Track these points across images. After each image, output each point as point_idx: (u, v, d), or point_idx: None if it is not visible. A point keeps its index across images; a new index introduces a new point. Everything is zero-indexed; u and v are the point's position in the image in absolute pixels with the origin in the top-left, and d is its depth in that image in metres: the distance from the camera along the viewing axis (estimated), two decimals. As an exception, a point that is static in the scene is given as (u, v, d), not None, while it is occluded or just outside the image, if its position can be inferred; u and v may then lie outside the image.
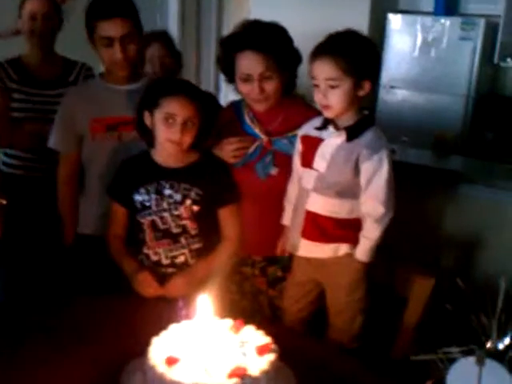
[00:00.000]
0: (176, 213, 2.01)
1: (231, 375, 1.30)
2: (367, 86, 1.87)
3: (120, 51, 2.14)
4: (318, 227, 1.96)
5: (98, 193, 2.27)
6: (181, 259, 2.04)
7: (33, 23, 2.53)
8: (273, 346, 1.42)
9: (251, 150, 2.10)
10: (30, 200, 2.60)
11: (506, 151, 4.17)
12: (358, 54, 1.83)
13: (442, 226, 2.98)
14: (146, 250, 2.06)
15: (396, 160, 3.12)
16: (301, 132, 2.03)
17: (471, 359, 1.01)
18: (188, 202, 2.00)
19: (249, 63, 2.01)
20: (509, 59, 4.78)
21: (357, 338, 2.02)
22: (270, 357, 1.38)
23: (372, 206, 1.89)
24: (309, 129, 2.00)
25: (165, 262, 2.04)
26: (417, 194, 2.87)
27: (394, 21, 4.95)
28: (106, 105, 2.26)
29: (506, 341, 1.03)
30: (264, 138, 2.10)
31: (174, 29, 4.75)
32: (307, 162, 1.96)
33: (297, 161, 2.04)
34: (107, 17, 2.11)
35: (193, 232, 2.03)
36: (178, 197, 2.00)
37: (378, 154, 1.86)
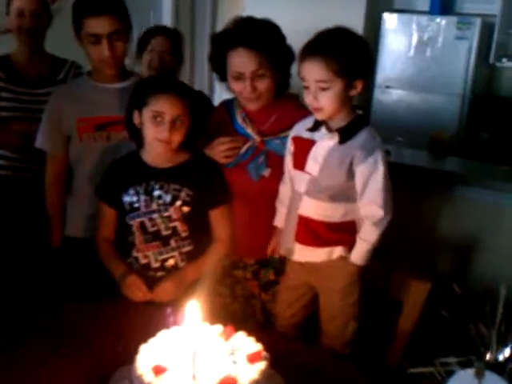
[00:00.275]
0: (166, 214, 1.97)
1: (221, 384, 1.26)
2: (359, 85, 1.80)
3: (108, 49, 2.10)
4: (311, 231, 1.92)
5: (86, 194, 2.23)
6: (171, 262, 2.00)
7: (21, 20, 2.48)
8: (264, 354, 1.39)
9: (243, 150, 2.06)
10: (18, 201, 2.56)
11: (502, 152, 4.14)
12: (349, 53, 1.76)
13: (438, 228, 2.95)
14: (135, 253, 2.02)
15: (391, 161, 3.11)
16: (292, 133, 1.98)
17: (470, 371, 0.97)
18: (178, 202, 1.96)
19: (241, 61, 1.96)
20: (504, 59, 4.78)
21: (350, 344, 1.98)
22: (261, 365, 1.34)
23: (370, 209, 1.85)
24: (300, 130, 1.95)
25: (154, 265, 2.00)
26: (412, 195, 2.84)
27: (390, 20, 4.93)
28: (93, 104, 2.22)
29: (507, 352, 0.99)
30: (256, 138, 2.06)
31: (167, 27, 4.72)
32: (299, 164, 1.92)
33: (288, 162, 2.00)
34: (95, 14, 2.07)
35: (183, 234, 1.99)
36: (167, 198, 1.96)
37: (373, 156, 1.81)
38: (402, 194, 1.90)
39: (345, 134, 1.83)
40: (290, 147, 1.98)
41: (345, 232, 1.91)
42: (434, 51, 4.78)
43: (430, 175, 3.05)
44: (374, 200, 1.84)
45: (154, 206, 1.97)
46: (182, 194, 1.97)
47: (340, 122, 1.85)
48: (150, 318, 1.61)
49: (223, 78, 2.09)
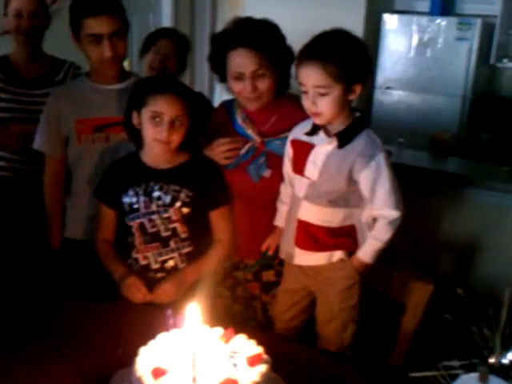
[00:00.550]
0: (165, 215, 1.96)
1: (221, 387, 1.25)
2: (358, 89, 1.78)
3: (109, 49, 2.09)
4: (311, 236, 1.91)
5: (86, 195, 2.22)
6: (170, 263, 1.99)
7: (19, 21, 2.47)
8: (265, 357, 1.37)
9: (243, 151, 2.05)
10: (18, 202, 2.55)
11: (504, 153, 4.12)
12: (347, 57, 1.73)
13: (439, 230, 2.93)
14: (134, 254, 2.00)
15: (392, 162, 3.09)
16: (291, 136, 1.96)
17: (473, 376, 0.95)
18: (178, 204, 1.95)
19: (241, 61, 1.95)
20: (505, 60, 4.77)
21: (348, 348, 1.96)
22: (262, 368, 1.33)
23: (383, 212, 1.84)
24: (298, 133, 1.93)
25: (154, 266, 1.99)
26: (413, 196, 2.80)
27: (390, 21, 4.92)
28: (92, 105, 2.20)
29: (511, 356, 0.98)
30: (257, 138, 2.05)
31: (166, 29, 4.70)
32: (298, 168, 1.90)
33: (287, 166, 1.98)
34: (94, 14, 2.06)
35: (183, 235, 1.98)
36: (167, 199, 1.95)
37: (375, 160, 1.79)
38: (402, 195, 1.88)
39: (343, 139, 1.81)
40: (288, 151, 1.97)
41: (344, 236, 1.90)
42: (434, 52, 4.77)
43: (431, 176, 3.03)
44: (385, 203, 1.82)
45: (154, 207, 1.96)
46: (182, 195, 1.95)
47: (339, 126, 1.82)
48: (150, 320, 1.60)
49: (223, 79, 2.08)
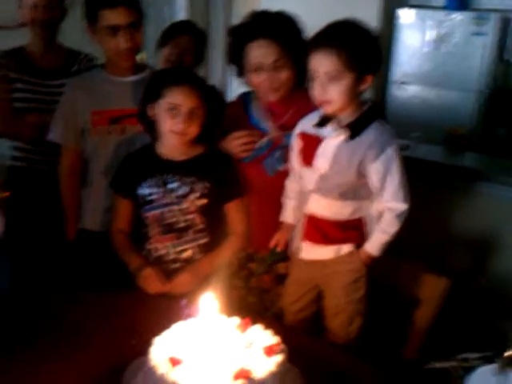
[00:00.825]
0: (181, 207, 1.96)
1: (237, 377, 1.25)
2: (369, 80, 1.77)
3: (126, 40, 2.10)
4: (320, 230, 1.90)
5: (102, 187, 2.23)
6: (187, 254, 2.00)
7: (34, 12, 2.48)
8: (281, 347, 1.37)
9: (260, 144, 2.04)
10: (34, 193, 2.56)
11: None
12: (360, 46, 1.72)
13: (454, 224, 2.92)
14: (150, 245, 2.01)
15: (407, 155, 3.08)
16: (297, 129, 1.95)
17: (491, 368, 0.94)
18: (194, 195, 1.95)
19: (261, 52, 1.94)
20: (520, 55, 4.72)
21: (354, 341, 1.95)
22: (278, 358, 1.33)
23: (392, 204, 1.82)
24: (306, 126, 1.91)
25: (170, 257, 2.00)
26: (428, 190, 2.81)
27: (405, 15, 4.89)
28: (108, 97, 2.21)
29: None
30: (274, 132, 2.04)
31: (181, 22, 4.71)
32: (307, 161, 1.88)
33: (295, 159, 1.96)
34: (111, 5, 2.07)
35: (199, 226, 1.99)
36: (182, 190, 1.96)
37: (386, 152, 1.78)
38: (417, 189, 1.87)
39: (354, 130, 1.79)
40: (296, 144, 1.95)
41: (353, 229, 1.89)
42: (449, 47, 4.74)
43: (446, 170, 3.02)
44: (394, 196, 1.81)
45: (169, 199, 1.96)
46: (198, 187, 1.96)
47: (348, 117, 1.81)
48: (165, 311, 1.60)
49: (240, 73, 2.07)
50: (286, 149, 2.03)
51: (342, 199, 1.85)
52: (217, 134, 2.09)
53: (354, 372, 1.53)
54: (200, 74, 2.41)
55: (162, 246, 2.00)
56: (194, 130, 1.93)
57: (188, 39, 2.78)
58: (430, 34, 4.81)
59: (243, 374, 1.26)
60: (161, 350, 1.34)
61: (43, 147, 2.50)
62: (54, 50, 2.61)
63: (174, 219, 1.97)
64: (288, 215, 2.03)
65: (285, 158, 2.03)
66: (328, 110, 1.79)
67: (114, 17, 2.07)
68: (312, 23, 2.26)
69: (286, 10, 2.05)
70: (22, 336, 1.62)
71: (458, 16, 4.67)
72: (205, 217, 1.98)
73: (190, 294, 1.64)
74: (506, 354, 0.98)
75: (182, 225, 1.98)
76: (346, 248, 1.89)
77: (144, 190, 1.98)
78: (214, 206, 2.00)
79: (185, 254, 2.00)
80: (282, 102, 2.04)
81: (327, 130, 1.84)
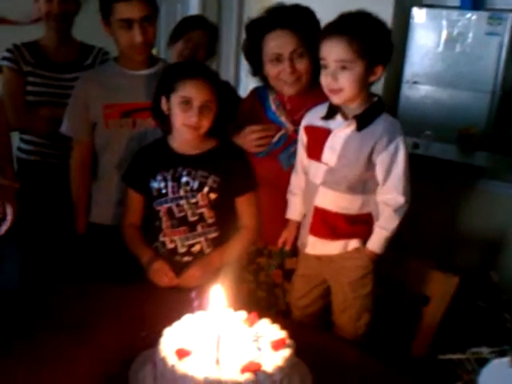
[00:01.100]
0: (193, 200, 1.96)
1: (244, 370, 1.25)
2: (379, 71, 1.77)
3: (140, 34, 2.10)
4: (328, 224, 1.89)
5: (112, 180, 2.24)
6: (197, 248, 2.00)
7: (49, 5, 2.49)
8: (288, 341, 1.36)
9: (275, 139, 2.03)
10: (45, 186, 2.57)
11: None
12: (371, 35, 1.72)
13: (466, 222, 2.91)
14: (162, 238, 2.02)
15: (419, 154, 3.07)
16: (304, 122, 1.94)
17: (505, 360, 0.94)
18: (205, 189, 1.96)
19: (279, 42, 1.94)
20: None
21: (363, 337, 1.94)
22: (286, 352, 1.32)
23: (391, 196, 1.82)
24: (313, 119, 1.90)
25: (181, 250, 2.00)
26: (440, 188, 2.80)
27: (419, 15, 4.87)
28: (120, 90, 2.21)
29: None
30: (289, 126, 2.03)
31: (194, 19, 4.71)
32: (315, 154, 1.87)
33: (302, 153, 1.96)
34: None
35: (210, 220, 1.99)
36: (195, 184, 1.96)
37: (394, 143, 1.77)
38: (428, 186, 1.86)
39: (363, 121, 1.79)
40: (302, 137, 1.95)
41: (361, 224, 1.88)
42: (463, 47, 4.72)
43: (457, 168, 3.00)
44: (395, 187, 1.80)
45: (182, 193, 1.96)
46: (210, 181, 1.96)
47: (356, 109, 1.80)
48: (175, 304, 1.60)
49: (256, 71, 2.07)
50: None
51: (350, 192, 1.84)
52: (231, 128, 2.09)
53: (362, 367, 1.53)
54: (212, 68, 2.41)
55: (174, 239, 2.00)
56: (206, 124, 1.93)
57: (200, 33, 2.79)
58: (444, 34, 4.79)
59: (252, 367, 1.25)
60: (171, 341, 1.34)
61: (55, 141, 2.51)
62: (67, 43, 2.62)
63: (184, 213, 1.97)
64: (294, 212, 2.03)
65: None
66: (337, 99, 1.78)
67: (128, 10, 2.08)
68: (325, 21, 2.26)
69: (300, 6, 2.04)
70: (31, 327, 1.62)
71: (472, 16, 4.64)
72: (215, 211, 1.98)
73: (200, 287, 1.65)
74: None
75: (192, 218, 1.98)
76: (353, 244, 1.88)
77: (157, 184, 1.99)
78: (225, 201, 2.00)
79: (195, 248, 2.00)
80: (298, 98, 2.03)
81: (335, 122, 1.83)
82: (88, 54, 2.64)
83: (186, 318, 1.43)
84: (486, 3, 4.86)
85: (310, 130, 1.91)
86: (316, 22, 2.01)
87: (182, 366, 1.25)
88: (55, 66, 2.56)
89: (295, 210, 2.02)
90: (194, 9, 4.99)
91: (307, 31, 1.93)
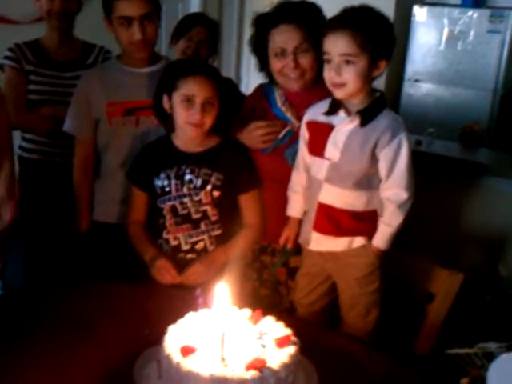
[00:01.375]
0: (196, 198, 1.96)
1: (249, 367, 1.24)
2: (382, 65, 1.77)
3: (139, 31, 2.09)
4: (332, 220, 1.88)
5: (115, 179, 2.23)
6: (201, 245, 2.00)
7: (51, 4, 2.48)
8: (293, 339, 1.36)
9: (281, 135, 2.03)
10: (47, 185, 2.57)
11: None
12: (376, 29, 1.72)
13: (468, 219, 2.91)
14: (165, 235, 2.02)
15: (422, 151, 3.06)
16: (306, 118, 1.93)
17: (514, 355, 0.93)
18: (208, 187, 1.96)
19: (283, 37, 1.95)
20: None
21: (373, 333, 1.94)
22: (291, 349, 1.32)
23: (395, 192, 1.81)
24: (315, 114, 1.90)
25: (184, 247, 2.00)
26: (442, 185, 2.79)
27: (420, 13, 4.87)
28: (122, 88, 2.21)
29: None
30: (295, 122, 2.02)
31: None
32: (317, 150, 1.87)
33: (303, 148, 1.95)
34: None
35: (213, 218, 1.99)
36: (198, 182, 1.96)
37: (397, 138, 1.77)
38: (432, 184, 1.85)
39: (366, 117, 1.78)
40: (304, 133, 1.94)
41: (367, 221, 1.87)
42: (465, 45, 4.71)
43: (461, 166, 3.00)
44: (398, 183, 1.80)
45: (185, 190, 1.96)
46: (213, 179, 1.96)
47: (359, 104, 1.80)
48: (179, 301, 1.60)
49: (263, 65, 2.07)
50: None
51: (355, 189, 1.83)
52: (235, 125, 2.08)
53: (368, 364, 1.53)
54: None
55: (177, 237, 2.00)
56: (209, 121, 1.93)
57: (202, 30, 2.78)
58: (445, 32, 4.78)
59: (257, 364, 1.25)
60: (175, 339, 1.33)
61: (57, 140, 2.51)
62: (69, 42, 2.61)
63: (188, 210, 1.97)
64: (295, 209, 2.02)
65: None
66: (341, 93, 1.78)
67: (128, 7, 2.08)
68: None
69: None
70: (35, 325, 1.62)
71: (473, 13, 4.63)
72: (218, 208, 1.98)
73: (204, 285, 1.64)
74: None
75: (196, 216, 1.98)
76: (359, 241, 1.87)
77: (160, 182, 1.99)
78: (228, 198, 1.99)
79: (198, 245, 2.00)
80: (304, 94, 2.02)
81: (338, 118, 1.83)
82: (90, 53, 2.63)
83: (190, 316, 1.42)
84: (488, 1, 4.86)
85: (312, 125, 1.90)
86: (322, 18, 2.00)
87: (187, 364, 1.25)
88: (57, 64, 2.56)
89: (296, 207, 2.01)
90: (195, 7, 4.98)
91: (313, 27, 1.92)
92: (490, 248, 2.85)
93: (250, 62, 5.17)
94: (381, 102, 1.82)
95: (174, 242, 2.00)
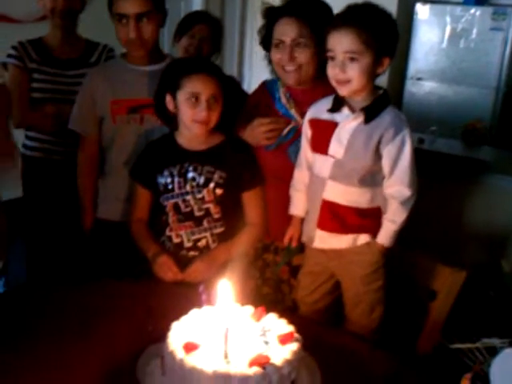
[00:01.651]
0: (199, 196, 1.97)
1: (252, 364, 1.25)
2: (386, 63, 1.77)
3: (134, 30, 2.09)
4: (337, 217, 1.87)
5: (119, 176, 2.23)
6: (203, 242, 2.00)
7: (54, 2, 2.48)
8: (296, 335, 1.36)
9: (285, 131, 2.02)
10: (51, 183, 2.58)
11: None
12: (380, 26, 1.73)
13: (471, 217, 2.91)
14: (168, 233, 2.02)
15: (424, 149, 3.06)
16: (308, 116, 1.93)
17: (517, 350, 0.93)
18: (211, 185, 1.96)
19: (283, 29, 1.95)
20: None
21: (377, 330, 1.94)
22: (293, 346, 1.32)
23: (398, 189, 1.81)
24: (318, 112, 1.90)
25: (187, 244, 2.00)
26: (445, 183, 2.80)
27: (422, 11, 4.86)
28: (127, 86, 2.21)
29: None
30: (299, 119, 2.02)
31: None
32: (320, 147, 1.86)
33: (306, 147, 1.95)
34: None
35: (216, 216, 1.99)
36: (201, 180, 1.96)
37: (400, 135, 1.77)
38: (434, 181, 1.86)
39: (370, 114, 1.78)
40: (306, 131, 1.94)
41: (371, 218, 1.87)
42: (467, 43, 4.71)
43: (464, 164, 3.00)
44: (401, 180, 1.80)
45: (188, 188, 1.97)
46: (216, 176, 1.96)
47: (362, 101, 1.80)
48: (181, 298, 1.61)
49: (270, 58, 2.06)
50: None
51: (359, 186, 1.83)
52: (238, 123, 2.08)
53: (371, 362, 1.53)
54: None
55: (180, 234, 2.00)
56: (215, 118, 1.93)
57: (204, 28, 2.79)
58: (448, 30, 4.78)
59: (261, 361, 1.25)
60: (178, 335, 1.34)
61: (61, 138, 2.51)
62: (72, 40, 2.62)
63: (191, 208, 1.98)
64: (298, 208, 2.02)
65: None
66: (345, 90, 1.78)
67: (124, 5, 2.08)
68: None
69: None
70: (39, 323, 1.62)
71: (476, 11, 4.63)
72: (221, 206, 1.99)
73: (206, 282, 1.65)
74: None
75: (198, 213, 1.98)
76: (363, 238, 1.87)
77: (163, 179, 1.99)
78: (231, 196, 2.00)
79: (200, 243, 2.00)
80: (307, 91, 2.02)
81: (342, 115, 1.83)
82: (93, 51, 2.64)
83: (194, 313, 1.43)
84: (490, -2, 4.86)
85: (314, 123, 1.90)
86: (327, 14, 1.98)
87: (191, 360, 1.25)
88: (60, 62, 2.56)
89: (299, 205, 2.01)
90: (197, 5, 4.99)
91: (314, 21, 1.92)
92: (492, 244, 2.85)
93: (252, 59, 5.18)
94: (384, 98, 1.83)
95: (176, 240, 2.01)
